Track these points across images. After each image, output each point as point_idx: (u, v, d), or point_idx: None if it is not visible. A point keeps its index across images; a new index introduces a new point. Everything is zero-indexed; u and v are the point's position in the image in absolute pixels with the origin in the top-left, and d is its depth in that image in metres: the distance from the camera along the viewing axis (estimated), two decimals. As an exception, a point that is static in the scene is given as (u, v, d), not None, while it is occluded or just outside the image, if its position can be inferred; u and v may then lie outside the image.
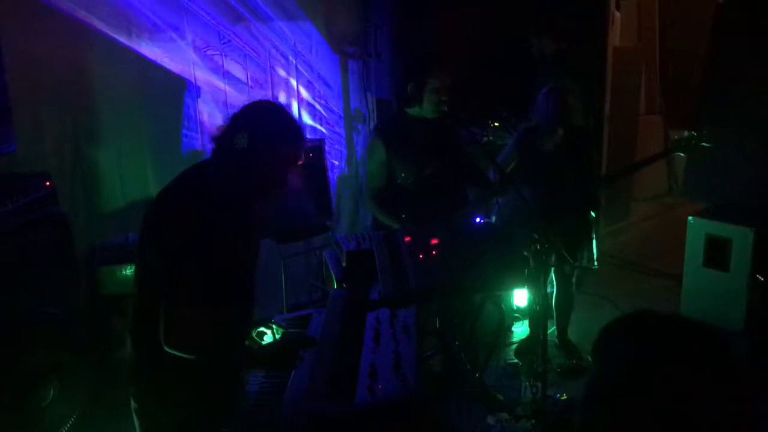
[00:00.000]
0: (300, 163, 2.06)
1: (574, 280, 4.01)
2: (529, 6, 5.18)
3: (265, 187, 2.03)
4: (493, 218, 3.91)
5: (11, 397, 2.75)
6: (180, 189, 2.01)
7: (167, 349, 1.88)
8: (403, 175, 3.33)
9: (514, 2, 5.20)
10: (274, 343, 2.28)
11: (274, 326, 2.38)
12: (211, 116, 4.24)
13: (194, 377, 1.98)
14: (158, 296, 1.90)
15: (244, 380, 2.21)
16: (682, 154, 3.86)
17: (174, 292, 1.87)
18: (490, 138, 4.59)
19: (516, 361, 4.02)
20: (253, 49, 4.42)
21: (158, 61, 3.97)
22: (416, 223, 3.16)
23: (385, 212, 3.33)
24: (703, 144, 3.58)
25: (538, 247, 3.03)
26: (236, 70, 4.37)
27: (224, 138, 1.98)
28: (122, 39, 3.80)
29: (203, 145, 4.19)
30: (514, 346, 4.19)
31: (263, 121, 1.98)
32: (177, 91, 4.11)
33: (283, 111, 2.04)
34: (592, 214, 3.88)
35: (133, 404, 2.10)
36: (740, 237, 4.10)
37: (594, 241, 3.86)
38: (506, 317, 3.88)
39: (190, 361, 1.92)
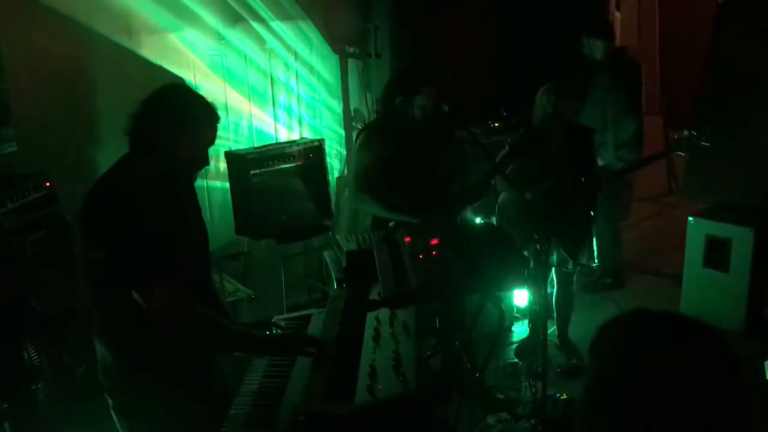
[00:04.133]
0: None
1: (574, 279, 4.01)
2: (529, 5, 5.18)
3: (191, 168, 2.15)
4: (493, 218, 3.91)
5: (9, 396, 2.75)
6: (114, 182, 2.05)
7: (171, 336, 1.92)
8: (398, 169, 3.35)
9: (514, 2, 5.21)
10: (283, 333, 2.34)
11: (274, 328, 2.38)
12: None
13: (170, 369, 2.03)
14: (118, 292, 1.93)
15: (221, 374, 2.23)
16: (682, 154, 3.86)
17: (143, 279, 1.91)
18: (492, 138, 4.60)
19: (516, 361, 4.02)
20: (252, 49, 4.42)
21: (158, 62, 3.97)
22: (413, 215, 3.17)
23: (384, 206, 3.34)
24: (703, 143, 3.58)
25: (538, 247, 3.04)
26: (236, 70, 4.37)
27: (143, 128, 2.02)
28: (122, 39, 3.80)
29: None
30: (514, 346, 4.18)
31: (179, 107, 2.04)
32: (177, 91, 4.11)
33: (195, 93, 2.12)
34: (592, 213, 3.87)
35: (110, 401, 2.14)
36: (740, 237, 4.10)
37: (594, 240, 3.86)
38: (506, 317, 3.88)
39: (164, 353, 1.96)
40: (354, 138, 4.86)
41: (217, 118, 2.09)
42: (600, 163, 4.50)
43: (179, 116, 2.01)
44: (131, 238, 1.90)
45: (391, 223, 3.21)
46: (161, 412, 2.06)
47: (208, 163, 2.14)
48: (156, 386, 2.05)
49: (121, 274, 1.92)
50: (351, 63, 4.90)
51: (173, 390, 2.05)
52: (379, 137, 3.39)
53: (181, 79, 4.07)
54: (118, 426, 2.15)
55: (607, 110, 4.60)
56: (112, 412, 2.14)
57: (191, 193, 2.26)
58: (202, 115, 2.05)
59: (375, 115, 4.77)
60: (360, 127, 4.85)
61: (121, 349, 2.07)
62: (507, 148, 3.83)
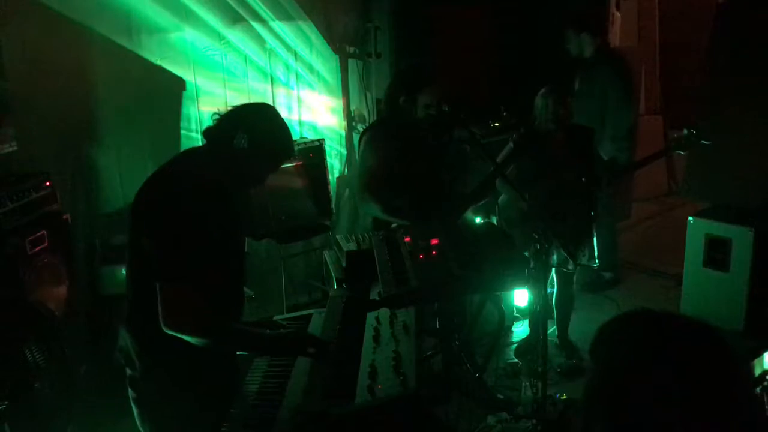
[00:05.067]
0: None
1: (575, 279, 4.01)
2: (529, 6, 5.19)
3: (253, 182, 2.20)
4: (494, 218, 3.91)
5: (9, 394, 2.75)
6: (173, 175, 2.07)
7: (166, 331, 1.92)
8: (402, 170, 3.35)
9: (513, 2, 5.21)
10: (288, 331, 2.36)
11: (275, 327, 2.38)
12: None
13: (193, 365, 2.02)
14: (152, 281, 1.93)
15: (240, 370, 2.24)
16: (681, 152, 3.86)
17: (166, 274, 1.92)
18: (492, 138, 4.60)
19: (516, 361, 4.02)
20: (252, 50, 4.42)
21: (158, 62, 3.98)
22: (416, 217, 3.17)
23: (389, 209, 3.33)
24: (703, 141, 3.57)
25: (538, 247, 3.04)
26: (236, 70, 4.37)
27: (223, 133, 2.06)
28: (122, 39, 3.80)
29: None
30: (514, 346, 4.19)
31: (263, 123, 2.09)
32: (177, 91, 4.12)
33: (279, 116, 2.16)
34: (592, 213, 3.88)
35: (131, 393, 2.14)
36: (740, 237, 4.09)
37: (594, 240, 3.86)
38: (506, 317, 3.88)
39: (189, 349, 1.95)
40: (354, 138, 4.89)
41: (292, 154, 2.20)
42: (604, 157, 4.53)
43: (265, 137, 2.05)
44: (176, 233, 1.92)
45: (394, 225, 3.22)
46: (183, 404, 2.06)
47: (262, 185, 2.23)
48: (178, 379, 2.06)
49: (155, 264, 1.94)
50: (351, 63, 4.90)
51: (194, 383, 2.06)
52: (383, 137, 3.38)
53: (183, 79, 4.09)
54: (137, 419, 2.15)
55: (607, 105, 4.60)
56: (133, 404, 2.14)
57: (240, 205, 2.28)
58: (287, 148, 2.15)
59: (377, 116, 4.78)
60: (360, 127, 4.86)
61: (150, 339, 2.06)
62: (511, 145, 3.82)
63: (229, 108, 2.12)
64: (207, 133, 2.11)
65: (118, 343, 2.17)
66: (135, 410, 2.15)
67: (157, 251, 1.93)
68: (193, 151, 2.18)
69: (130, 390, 2.14)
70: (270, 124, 2.10)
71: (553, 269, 3.86)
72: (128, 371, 2.14)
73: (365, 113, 4.99)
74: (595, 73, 4.63)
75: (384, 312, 2.27)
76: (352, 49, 4.84)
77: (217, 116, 2.10)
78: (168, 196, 2.00)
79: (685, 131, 3.61)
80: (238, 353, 2.28)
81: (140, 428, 2.17)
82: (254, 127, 2.04)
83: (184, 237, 1.93)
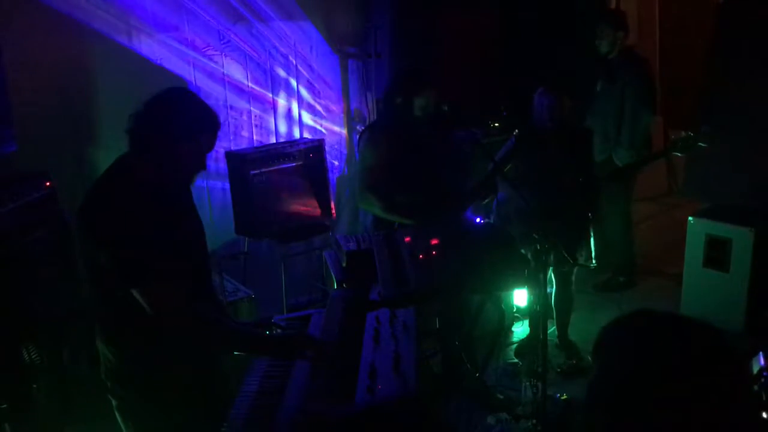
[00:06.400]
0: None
1: (573, 279, 4.01)
2: (529, 6, 5.19)
3: (189, 172, 2.11)
4: (492, 218, 3.91)
5: (9, 396, 2.76)
6: (113, 183, 2.05)
7: (167, 335, 1.92)
8: (402, 169, 3.35)
9: (514, 2, 5.21)
10: (283, 333, 2.35)
11: (274, 328, 2.38)
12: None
13: (173, 373, 2.03)
14: (123, 290, 1.92)
15: (224, 377, 2.24)
16: (679, 154, 3.85)
17: (147, 276, 1.90)
18: (492, 138, 4.60)
19: (516, 361, 4.02)
20: (253, 49, 4.42)
21: (158, 61, 3.97)
22: (417, 216, 3.17)
23: (389, 207, 3.33)
24: (700, 144, 3.57)
25: (538, 247, 3.04)
26: (236, 70, 4.37)
27: (145, 129, 2.02)
28: (122, 39, 3.80)
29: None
30: (514, 346, 4.18)
31: (180, 107, 2.04)
32: (177, 91, 4.11)
33: (199, 99, 2.09)
34: (590, 214, 3.87)
35: (113, 402, 2.14)
36: (740, 237, 4.09)
37: (592, 240, 3.86)
38: (506, 317, 3.88)
39: (167, 357, 1.96)
40: (355, 138, 4.89)
41: (217, 126, 2.08)
42: (618, 164, 4.51)
43: (179, 121, 2.01)
44: (131, 239, 1.90)
45: (396, 224, 3.22)
46: (164, 411, 2.07)
47: (205, 169, 2.14)
48: (159, 386, 2.06)
49: (121, 274, 1.93)
50: (351, 63, 4.90)
51: (176, 389, 2.06)
52: (384, 137, 3.40)
53: (183, 79, 4.08)
54: (122, 425, 2.16)
55: (626, 107, 4.54)
56: (116, 412, 2.15)
57: (187, 194, 2.25)
58: (202, 121, 2.05)
59: (377, 115, 4.79)
60: (360, 127, 4.86)
61: (124, 349, 2.08)
62: (512, 140, 3.81)
63: (141, 105, 2.05)
64: (130, 134, 2.04)
65: (99, 358, 2.16)
66: (118, 417, 2.15)
67: (128, 257, 1.91)
68: (123, 158, 2.10)
69: (111, 399, 2.14)
70: (186, 105, 2.04)
71: (551, 269, 3.85)
72: (108, 383, 2.14)
73: (365, 113, 4.99)
74: (618, 73, 4.55)
75: (384, 312, 2.27)
76: (352, 49, 4.85)
77: (132, 116, 2.04)
78: (119, 203, 1.96)
79: (683, 134, 3.61)
80: (227, 355, 2.28)
81: None
82: (172, 114, 2.00)
83: (151, 237, 1.91)
